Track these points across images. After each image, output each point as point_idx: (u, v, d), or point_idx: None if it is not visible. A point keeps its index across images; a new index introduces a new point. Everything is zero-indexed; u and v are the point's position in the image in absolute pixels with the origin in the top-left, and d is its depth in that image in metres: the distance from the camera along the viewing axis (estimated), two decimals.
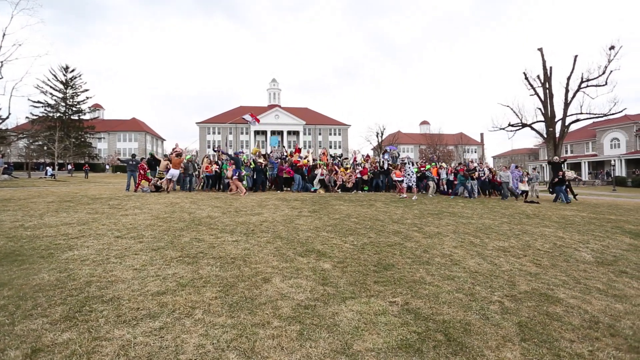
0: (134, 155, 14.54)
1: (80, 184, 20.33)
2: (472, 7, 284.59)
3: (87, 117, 53.39)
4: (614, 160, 48.19)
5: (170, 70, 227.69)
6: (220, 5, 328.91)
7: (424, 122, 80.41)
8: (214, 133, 64.30)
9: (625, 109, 26.69)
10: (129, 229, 5.67)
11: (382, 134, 60.48)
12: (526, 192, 14.97)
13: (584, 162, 52.07)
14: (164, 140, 77.10)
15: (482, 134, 76.96)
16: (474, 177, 13.88)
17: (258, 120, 18.04)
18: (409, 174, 12.62)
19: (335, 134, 68.20)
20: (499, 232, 6.69)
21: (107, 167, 53.88)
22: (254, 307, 2.89)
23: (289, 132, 64.38)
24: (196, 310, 2.77)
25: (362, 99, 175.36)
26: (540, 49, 29.66)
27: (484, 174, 14.77)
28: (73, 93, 51.06)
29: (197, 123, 63.82)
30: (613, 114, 27.26)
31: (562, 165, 14.46)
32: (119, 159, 14.70)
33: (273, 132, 63.53)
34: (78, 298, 2.94)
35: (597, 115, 28.23)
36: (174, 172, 12.50)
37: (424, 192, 14.60)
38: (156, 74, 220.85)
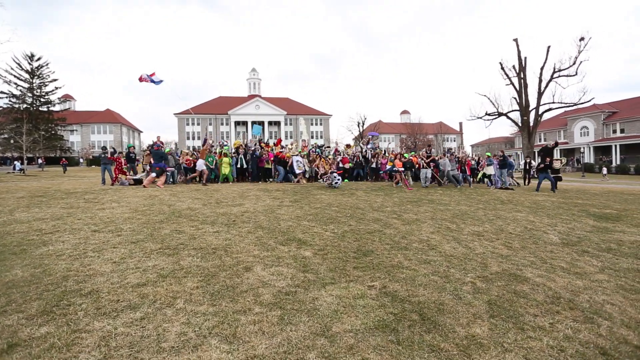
0: (104, 148, 14.07)
1: (53, 178, 19.54)
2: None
3: (57, 108, 50.92)
4: (583, 148, 50.43)
5: (145, 59, 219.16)
6: None
7: (405, 112, 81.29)
8: (193, 124, 62.78)
9: (593, 98, 27.90)
10: (106, 223, 5.55)
11: (363, 124, 60.85)
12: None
13: (556, 150, 54.17)
14: (141, 132, 74.75)
15: (460, 123, 78.61)
16: (428, 165, 13.85)
17: (153, 74, 16.07)
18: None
19: (317, 124, 68.00)
20: (474, 218, 6.96)
21: (81, 160, 51.83)
22: (236, 295, 2.94)
23: (270, 123, 63.71)
24: (177, 300, 2.80)
25: (344, 89, 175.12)
26: (516, 40, 30.41)
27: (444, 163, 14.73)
28: (40, 83, 48.45)
29: (175, 114, 62.10)
30: (582, 103, 28.46)
31: (553, 152, 14.58)
32: (102, 148, 14.24)
33: (254, 123, 62.69)
34: (55, 293, 2.89)
35: (568, 105, 29.39)
36: (201, 163, 12.36)
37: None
38: (130, 64, 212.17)
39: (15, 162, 28.77)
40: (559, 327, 2.56)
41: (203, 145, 15.74)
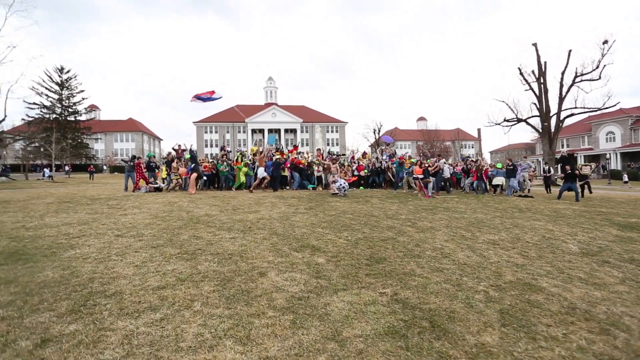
0: (133, 157, 14.64)
1: (79, 185, 20.40)
2: (468, 2, 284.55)
3: (83, 118, 53.32)
4: (609, 154, 48.53)
5: (166, 70, 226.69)
6: (211, 4, 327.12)
7: (421, 119, 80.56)
8: (211, 132, 64.31)
9: (618, 102, 26.92)
10: (128, 228, 5.81)
11: (379, 131, 60.63)
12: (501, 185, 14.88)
13: (580, 156, 52.35)
14: (161, 140, 77.02)
15: (479, 130, 77.00)
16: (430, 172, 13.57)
17: (212, 93, 16.41)
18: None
19: (332, 131, 68.33)
20: (490, 226, 6.86)
21: (105, 167, 53.82)
22: (250, 299, 3.05)
23: (286, 130, 64.49)
24: (195, 303, 2.93)
25: (359, 96, 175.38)
26: (535, 44, 29.83)
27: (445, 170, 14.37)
28: (69, 94, 50.93)
29: (194, 122, 63.78)
30: (607, 107, 27.51)
31: (576, 160, 14.03)
32: (122, 160, 14.88)
33: (270, 131, 63.57)
34: (82, 293, 3.08)
35: (591, 110, 28.45)
36: (261, 171, 12.74)
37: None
38: (152, 74, 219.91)
39: (45, 169, 30.15)
40: (572, 338, 2.53)
41: (220, 151, 16.14)
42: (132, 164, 13.62)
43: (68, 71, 50.57)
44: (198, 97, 14.80)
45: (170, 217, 6.98)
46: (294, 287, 3.38)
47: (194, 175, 12.35)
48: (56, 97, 49.53)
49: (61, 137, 43.00)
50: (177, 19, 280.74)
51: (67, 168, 40.57)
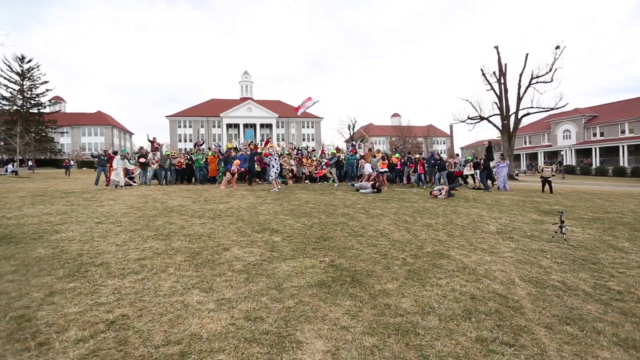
0: (105, 151, 14.81)
1: (47, 180, 20.08)
2: (439, 6, 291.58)
3: (47, 110, 51.05)
4: (565, 150, 52.16)
5: (136, 61, 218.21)
6: None
7: (395, 115, 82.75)
8: (184, 126, 63.26)
9: (567, 103, 29.26)
10: (107, 217, 6.38)
11: (354, 127, 61.91)
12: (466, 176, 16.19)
13: (540, 152, 55.91)
14: (132, 134, 74.84)
15: (451, 126, 79.93)
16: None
17: (309, 99, 16.88)
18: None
19: (308, 127, 68.97)
20: (432, 213, 7.92)
21: (72, 162, 51.92)
22: (214, 266, 3.82)
23: (261, 125, 64.49)
24: (169, 268, 3.67)
25: (335, 92, 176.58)
26: (496, 47, 31.71)
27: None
28: (31, 85, 48.55)
29: (167, 116, 62.50)
30: (558, 108, 29.85)
31: (491, 149, 15.06)
32: (92, 155, 14.90)
33: (246, 125, 63.41)
34: (74, 264, 3.75)
35: (545, 109, 30.74)
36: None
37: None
38: (121, 66, 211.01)
39: (8, 165, 29.05)
40: (451, 284, 3.49)
41: (195, 147, 16.56)
42: (105, 158, 13.83)
43: (29, 60, 48.16)
44: (302, 106, 16.20)
45: (145, 207, 7.56)
46: (251, 257, 4.18)
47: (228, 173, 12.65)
48: (17, 88, 47.12)
49: (24, 130, 41.17)
50: (146, 8, 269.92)
51: (30, 163, 39.01)
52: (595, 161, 46.66)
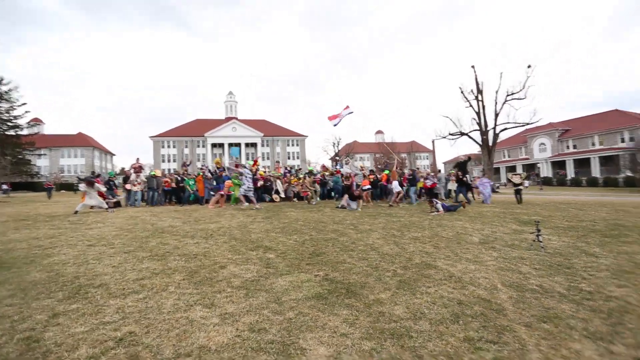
0: (93, 173, 14.65)
1: (25, 204, 19.47)
2: (416, 25, 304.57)
3: (25, 132, 49.79)
4: (541, 163, 54.28)
5: (119, 82, 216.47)
6: (169, 16, 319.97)
7: (379, 132, 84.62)
8: (169, 147, 62.74)
9: (541, 118, 30.88)
10: (98, 239, 6.37)
11: (338, 144, 62.88)
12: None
13: (518, 165, 57.98)
14: (114, 155, 73.53)
15: (433, 141, 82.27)
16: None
17: (333, 118, 16.82)
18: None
19: (293, 145, 69.57)
20: (418, 227, 8.21)
21: (53, 185, 50.31)
22: (213, 283, 3.94)
23: (246, 144, 64.67)
24: (169, 287, 3.77)
25: (319, 110, 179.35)
26: (473, 66, 33.31)
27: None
28: (9, 107, 47.44)
29: (150, 137, 61.92)
30: (533, 122, 31.41)
31: (467, 164, 15.19)
32: (78, 178, 14.59)
33: (230, 144, 63.41)
34: (72, 286, 3.79)
35: (520, 124, 32.28)
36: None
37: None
38: (103, 87, 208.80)
39: None
40: (439, 292, 3.73)
41: (182, 167, 16.54)
42: (92, 180, 13.66)
43: (9, 82, 47.20)
44: (338, 116, 16.01)
45: (135, 228, 7.56)
46: (248, 274, 4.31)
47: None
48: None
49: (0, 153, 39.93)
50: (130, 30, 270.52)
51: (4, 187, 37.63)
52: (570, 172, 48.71)
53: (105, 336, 2.64)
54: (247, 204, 11.61)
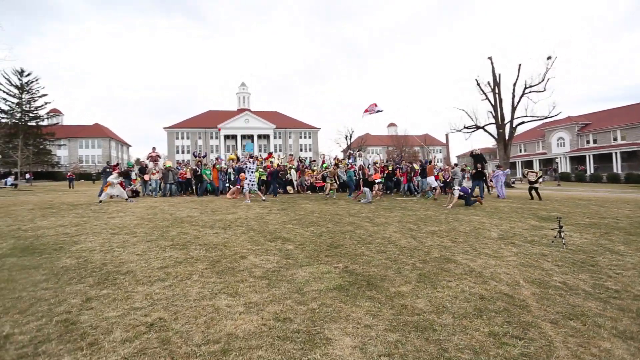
0: (108, 163, 15.00)
1: (47, 193, 20.13)
2: (432, 15, 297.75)
3: (45, 123, 51.26)
4: (559, 158, 52.90)
5: (133, 73, 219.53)
6: (180, 6, 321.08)
7: (392, 124, 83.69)
8: (182, 138, 63.53)
9: (560, 112, 29.91)
10: (120, 228, 6.55)
11: (351, 137, 62.48)
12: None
13: (535, 160, 56.67)
14: (130, 146, 74.95)
15: (447, 135, 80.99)
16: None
17: (375, 105, 17.65)
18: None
19: (305, 137, 69.51)
20: (435, 220, 8.16)
21: (74, 175, 51.84)
22: (235, 273, 4.02)
23: (259, 136, 64.92)
24: (193, 275, 3.87)
25: (332, 102, 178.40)
26: (490, 58, 32.47)
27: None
28: (30, 98, 48.82)
29: (164, 128, 62.81)
30: (552, 116, 30.53)
31: (483, 158, 14.64)
32: (104, 168, 14.91)
33: (243, 137, 63.83)
34: (101, 273, 3.93)
35: (539, 118, 31.38)
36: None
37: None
38: (118, 78, 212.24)
39: (7, 178, 29.03)
40: (460, 286, 3.72)
41: (196, 157, 16.75)
42: (109, 170, 14.01)
43: (29, 74, 48.51)
44: (369, 110, 17.01)
45: (155, 218, 7.74)
46: (268, 264, 4.38)
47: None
48: (15, 101, 47.32)
49: (22, 143, 41.23)
50: (143, 22, 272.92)
51: (27, 176, 38.93)
52: (590, 168, 47.33)
53: (136, 321, 2.74)
54: (247, 201, 11.75)
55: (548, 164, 54.52)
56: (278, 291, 3.45)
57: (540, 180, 15.25)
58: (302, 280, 3.81)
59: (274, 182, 14.11)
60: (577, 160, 50.84)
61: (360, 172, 15.74)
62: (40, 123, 50.24)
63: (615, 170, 42.97)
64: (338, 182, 14.76)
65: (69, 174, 31.61)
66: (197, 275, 3.87)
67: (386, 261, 4.67)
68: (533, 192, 14.65)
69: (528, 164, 57.58)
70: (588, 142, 49.99)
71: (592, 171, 46.31)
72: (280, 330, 2.63)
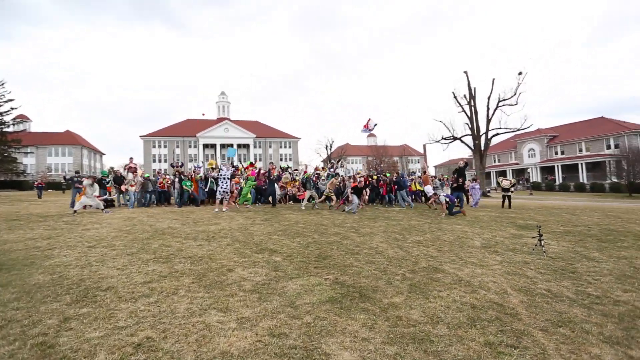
0: (77, 172, 14.35)
1: (12, 203, 18.95)
2: (410, 28, 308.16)
3: (10, 129, 48.62)
4: (531, 168, 55.27)
5: (109, 80, 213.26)
6: (158, 13, 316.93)
7: (371, 135, 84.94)
8: (159, 147, 61.86)
9: (532, 124, 31.55)
10: (97, 240, 6.23)
11: (331, 147, 62.95)
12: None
13: (508, 170, 58.90)
14: (103, 154, 72.20)
15: (424, 145, 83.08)
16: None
17: (366, 126, 18.30)
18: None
19: (285, 147, 69.35)
20: (419, 230, 8.26)
21: (44, 184, 49.18)
22: (224, 287, 3.88)
23: (239, 145, 64.17)
24: (180, 290, 3.70)
25: (312, 112, 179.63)
26: (466, 72, 33.81)
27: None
28: None
29: (141, 136, 61.02)
30: (524, 128, 32.02)
31: (465, 170, 14.93)
32: (64, 177, 14.28)
33: (223, 146, 62.93)
34: (78, 289, 3.69)
35: (512, 130, 32.86)
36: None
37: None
38: (92, 85, 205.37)
39: None
40: (451, 295, 3.75)
41: (173, 167, 16.28)
42: (78, 179, 13.39)
43: None
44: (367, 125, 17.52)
45: (134, 230, 7.41)
46: (257, 277, 4.27)
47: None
48: None
49: None
50: (120, 26, 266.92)
51: None
52: (558, 178, 49.68)
53: (122, 341, 2.57)
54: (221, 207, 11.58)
55: (520, 173, 56.80)
56: (270, 305, 3.36)
57: (513, 189, 15.89)
58: (294, 293, 3.73)
59: (271, 186, 13.95)
60: (547, 171, 53.27)
61: (341, 183, 15.77)
62: (5, 129, 47.61)
63: (581, 180, 45.32)
64: (332, 193, 14.66)
65: (37, 182, 29.79)
66: (183, 290, 3.71)
67: (376, 272, 4.66)
68: (506, 200, 15.24)
69: (502, 174, 59.79)
70: (556, 153, 52.58)
71: (561, 181, 48.64)
72: (276, 346, 2.54)
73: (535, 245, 6.07)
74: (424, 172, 15.77)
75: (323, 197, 13.92)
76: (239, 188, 13.36)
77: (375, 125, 18.15)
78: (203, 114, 24.96)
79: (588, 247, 6.50)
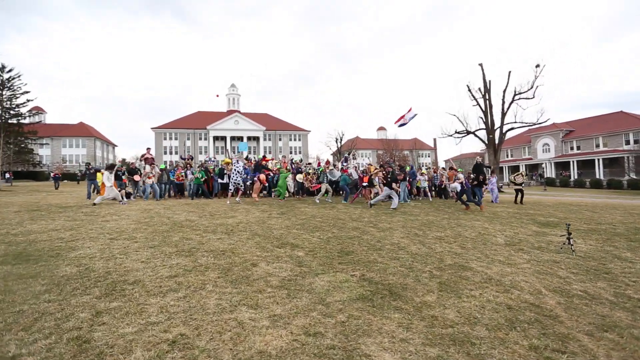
0: (87, 164, 14.53)
1: (31, 193, 19.33)
2: (425, 20, 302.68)
3: (27, 121, 49.52)
4: (545, 163, 54.14)
5: (120, 73, 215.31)
6: (168, 6, 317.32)
7: (381, 128, 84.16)
8: (170, 139, 62.40)
9: (549, 119, 30.69)
10: (118, 232, 6.25)
11: (341, 140, 62.56)
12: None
13: (522, 165, 57.82)
14: (116, 146, 73.19)
15: (435, 139, 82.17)
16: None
17: (403, 117, 17.48)
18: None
19: (295, 140, 69.26)
20: (438, 226, 8.11)
21: (60, 174, 50.22)
22: (250, 282, 3.83)
23: (249, 138, 64.31)
24: (207, 285, 3.66)
25: (322, 105, 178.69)
26: (481, 64, 33.04)
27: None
28: (11, 95, 47.00)
29: (152, 128, 61.61)
30: (540, 123, 31.27)
31: (487, 169, 14.55)
32: (80, 170, 14.47)
33: (233, 138, 63.15)
34: (106, 282, 3.68)
35: (527, 124, 32.13)
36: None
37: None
38: (105, 77, 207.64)
39: None
40: (484, 295, 3.63)
41: (182, 160, 16.32)
42: (92, 171, 13.56)
43: (10, 70, 46.69)
44: (402, 118, 16.80)
45: (153, 222, 7.44)
46: (282, 272, 4.21)
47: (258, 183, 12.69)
48: None
49: (2, 141, 39.67)
50: (131, 20, 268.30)
51: (7, 175, 37.46)
52: (574, 173, 48.58)
53: (156, 338, 2.53)
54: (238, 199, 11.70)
55: (534, 169, 55.73)
56: (300, 302, 3.29)
57: (524, 181, 15.58)
58: (322, 290, 3.65)
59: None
60: (562, 166, 52.12)
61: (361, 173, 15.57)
62: (22, 121, 48.49)
63: (597, 176, 44.22)
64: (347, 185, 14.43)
65: (54, 173, 30.19)
66: (211, 285, 3.67)
67: (402, 269, 4.56)
68: (519, 194, 14.94)
69: (515, 169, 58.72)
70: (572, 148, 51.33)
71: (576, 177, 47.54)
72: (314, 346, 2.47)
73: (564, 243, 5.88)
74: (451, 169, 15.49)
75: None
76: (267, 180, 13.39)
77: (415, 115, 17.34)
78: (217, 95, 24.94)
79: (618, 247, 6.27)
